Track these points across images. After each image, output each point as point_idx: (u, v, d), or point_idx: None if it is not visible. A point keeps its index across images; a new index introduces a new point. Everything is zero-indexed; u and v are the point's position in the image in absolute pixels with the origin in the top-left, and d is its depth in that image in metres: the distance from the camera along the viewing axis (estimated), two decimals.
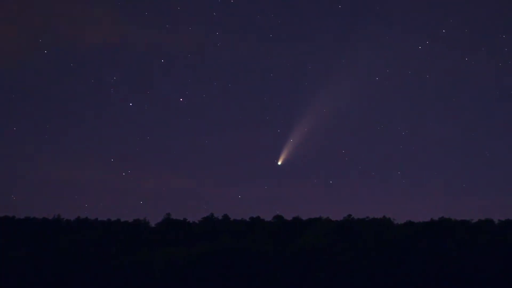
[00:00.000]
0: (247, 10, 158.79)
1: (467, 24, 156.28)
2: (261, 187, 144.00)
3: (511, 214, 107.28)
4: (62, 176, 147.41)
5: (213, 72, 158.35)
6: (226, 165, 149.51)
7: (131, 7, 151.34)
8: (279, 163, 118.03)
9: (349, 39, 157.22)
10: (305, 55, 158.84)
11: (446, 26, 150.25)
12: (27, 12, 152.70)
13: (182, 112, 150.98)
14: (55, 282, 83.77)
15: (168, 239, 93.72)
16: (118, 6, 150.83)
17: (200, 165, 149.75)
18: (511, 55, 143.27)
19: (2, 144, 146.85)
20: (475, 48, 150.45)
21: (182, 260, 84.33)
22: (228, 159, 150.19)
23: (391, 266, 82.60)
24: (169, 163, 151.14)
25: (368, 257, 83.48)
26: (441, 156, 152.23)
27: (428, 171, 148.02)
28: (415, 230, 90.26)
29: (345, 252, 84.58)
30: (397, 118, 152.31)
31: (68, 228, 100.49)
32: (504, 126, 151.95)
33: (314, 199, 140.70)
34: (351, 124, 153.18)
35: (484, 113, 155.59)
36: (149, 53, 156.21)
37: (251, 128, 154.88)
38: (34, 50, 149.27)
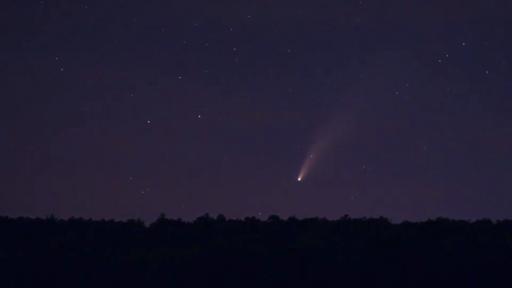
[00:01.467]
0: (263, 30, 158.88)
1: (486, 38, 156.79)
2: (282, 204, 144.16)
3: (509, 214, 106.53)
4: (55, 176, 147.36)
5: (232, 87, 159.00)
6: (245, 179, 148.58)
7: None
8: (299, 179, 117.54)
9: (368, 54, 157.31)
10: (324, 71, 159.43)
11: (466, 40, 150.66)
12: None
13: (201, 128, 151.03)
14: (48, 282, 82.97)
15: (162, 239, 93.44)
16: None
17: (219, 180, 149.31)
18: None
19: None
20: (495, 62, 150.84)
21: (177, 261, 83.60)
22: (248, 174, 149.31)
23: (388, 267, 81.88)
24: (186, 175, 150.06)
25: (365, 258, 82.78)
26: (439, 156, 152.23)
27: (426, 171, 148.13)
28: (412, 230, 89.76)
29: (342, 253, 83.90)
30: (415, 133, 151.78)
31: (61, 228, 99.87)
32: (504, 126, 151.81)
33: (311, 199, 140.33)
34: (371, 138, 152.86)
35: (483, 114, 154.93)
36: None
37: (271, 144, 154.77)
38: None
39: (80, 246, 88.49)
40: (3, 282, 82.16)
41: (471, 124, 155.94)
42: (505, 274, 79.54)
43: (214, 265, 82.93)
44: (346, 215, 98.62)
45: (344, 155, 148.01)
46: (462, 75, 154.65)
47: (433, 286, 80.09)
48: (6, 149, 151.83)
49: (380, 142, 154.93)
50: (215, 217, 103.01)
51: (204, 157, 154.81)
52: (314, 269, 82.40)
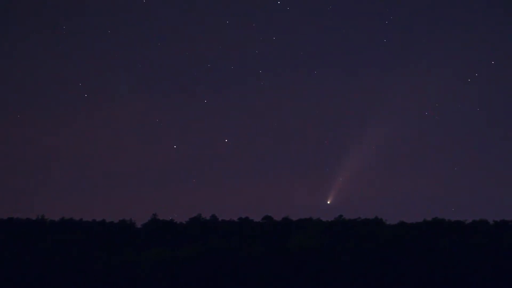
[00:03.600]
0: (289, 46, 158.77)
1: None
2: None
3: (506, 215, 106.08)
4: (46, 176, 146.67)
5: (258, 110, 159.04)
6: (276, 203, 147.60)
7: None
8: (328, 202, 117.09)
9: (397, 73, 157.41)
10: (353, 91, 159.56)
11: (495, 58, 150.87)
12: None
13: (228, 154, 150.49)
14: (38, 283, 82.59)
15: (154, 240, 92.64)
16: None
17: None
18: None
19: None
20: None
21: (169, 262, 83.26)
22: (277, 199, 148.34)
23: (383, 268, 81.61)
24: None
25: (360, 259, 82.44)
26: (437, 156, 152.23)
27: (422, 171, 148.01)
28: (408, 230, 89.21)
29: (336, 253, 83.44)
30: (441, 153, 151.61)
31: (52, 228, 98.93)
32: (503, 126, 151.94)
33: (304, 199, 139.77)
34: (400, 161, 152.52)
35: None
36: None
37: (300, 167, 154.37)
38: None
39: (71, 247, 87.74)
40: None
41: (470, 124, 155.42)
42: (502, 275, 79.41)
43: (207, 266, 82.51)
44: (341, 215, 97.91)
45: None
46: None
47: (429, 287, 79.82)
48: None
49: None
50: (208, 218, 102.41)
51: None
52: (308, 270, 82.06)
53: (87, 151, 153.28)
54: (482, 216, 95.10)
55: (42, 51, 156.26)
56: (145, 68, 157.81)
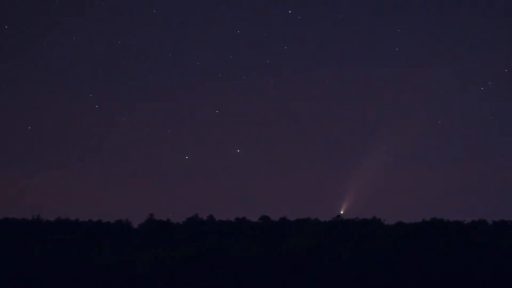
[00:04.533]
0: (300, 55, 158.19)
1: None
2: None
3: (505, 215, 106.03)
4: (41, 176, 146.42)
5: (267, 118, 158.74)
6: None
7: None
8: (342, 212, 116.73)
9: (408, 82, 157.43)
10: (365, 101, 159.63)
11: (508, 66, 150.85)
12: None
13: (237, 164, 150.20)
14: (35, 284, 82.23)
15: (151, 240, 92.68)
16: None
17: None
18: None
19: None
20: None
21: (166, 262, 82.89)
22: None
23: (382, 268, 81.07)
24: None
25: (358, 259, 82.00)
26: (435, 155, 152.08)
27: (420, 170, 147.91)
28: (406, 231, 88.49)
29: (334, 254, 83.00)
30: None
31: (48, 229, 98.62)
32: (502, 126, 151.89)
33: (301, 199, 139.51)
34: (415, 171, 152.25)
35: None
36: None
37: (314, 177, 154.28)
38: None
39: (67, 247, 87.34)
40: None
41: (467, 124, 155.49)
42: (501, 275, 79.02)
43: (204, 267, 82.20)
44: (339, 216, 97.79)
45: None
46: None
47: (428, 287, 79.46)
48: None
49: None
50: (204, 218, 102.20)
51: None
52: (306, 270, 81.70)
53: (83, 151, 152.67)
54: (481, 216, 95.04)
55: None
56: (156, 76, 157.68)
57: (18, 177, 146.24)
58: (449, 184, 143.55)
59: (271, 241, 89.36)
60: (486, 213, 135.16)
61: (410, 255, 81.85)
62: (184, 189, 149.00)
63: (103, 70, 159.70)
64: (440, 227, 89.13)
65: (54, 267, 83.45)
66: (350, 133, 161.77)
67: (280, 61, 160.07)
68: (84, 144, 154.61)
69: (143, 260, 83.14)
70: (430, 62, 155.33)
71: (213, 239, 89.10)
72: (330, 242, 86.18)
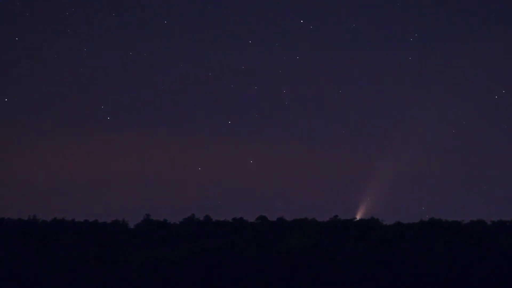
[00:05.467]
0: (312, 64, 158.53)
1: None
2: None
3: (503, 215, 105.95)
4: (37, 176, 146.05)
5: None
6: None
7: None
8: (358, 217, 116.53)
9: (422, 91, 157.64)
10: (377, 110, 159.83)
11: None
12: None
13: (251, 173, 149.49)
14: (31, 284, 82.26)
15: (147, 240, 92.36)
16: None
17: None
18: None
19: None
20: None
21: (163, 262, 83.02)
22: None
23: (379, 268, 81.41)
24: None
25: (356, 260, 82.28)
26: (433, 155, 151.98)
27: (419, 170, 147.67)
28: (404, 231, 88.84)
29: (332, 254, 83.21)
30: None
31: (44, 229, 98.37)
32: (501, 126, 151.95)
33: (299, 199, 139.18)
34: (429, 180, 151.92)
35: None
36: None
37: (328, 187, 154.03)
38: None
39: (63, 248, 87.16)
40: None
41: (466, 124, 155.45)
42: (500, 275, 79.48)
43: (201, 267, 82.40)
44: (336, 216, 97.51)
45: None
46: None
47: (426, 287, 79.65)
48: None
49: None
50: (201, 218, 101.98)
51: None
52: (303, 270, 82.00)
53: (79, 151, 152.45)
54: (479, 217, 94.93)
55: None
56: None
57: (15, 177, 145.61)
58: (449, 183, 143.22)
59: (268, 241, 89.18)
60: (484, 213, 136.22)
61: (408, 256, 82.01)
62: (181, 189, 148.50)
63: (104, 72, 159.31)
64: (438, 227, 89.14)
65: (51, 268, 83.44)
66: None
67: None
68: (81, 144, 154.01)
69: (140, 261, 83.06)
70: (442, 74, 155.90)
71: (210, 240, 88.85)
72: (327, 242, 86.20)
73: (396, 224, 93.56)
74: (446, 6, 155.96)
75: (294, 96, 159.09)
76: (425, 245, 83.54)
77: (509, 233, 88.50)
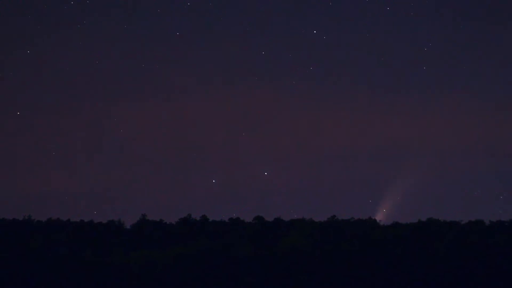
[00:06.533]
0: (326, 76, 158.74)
1: None
2: None
3: (502, 215, 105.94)
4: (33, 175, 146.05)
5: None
6: None
7: None
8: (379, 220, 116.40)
9: (435, 101, 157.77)
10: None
11: None
12: None
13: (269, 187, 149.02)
14: (26, 284, 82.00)
15: (143, 240, 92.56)
16: None
17: None
18: None
19: None
20: None
21: (158, 262, 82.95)
22: None
23: (377, 269, 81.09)
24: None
25: (354, 260, 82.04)
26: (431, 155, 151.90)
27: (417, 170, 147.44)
28: (402, 231, 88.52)
29: (329, 255, 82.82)
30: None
31: (39, 229, 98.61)
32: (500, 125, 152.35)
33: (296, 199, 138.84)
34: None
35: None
36: None
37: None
38: None
39: (59, 248, 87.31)
40: None
41: (465, 124, 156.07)
42: (498, 276, 79.18)
43: (197, 267, 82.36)
44: (334, 216, 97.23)
45: None
46: None
47: None
48: None
49: None
50: (198, 218, 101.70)
51: None
52: (300, 271, 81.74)
53: (74, 151, 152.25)
54: (477, 217, 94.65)
55: None
56: None
57: (10, 177, 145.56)
58: (448, 184, 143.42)
59: (265, 241, 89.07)
60: (483, 213, 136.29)
61: (405, 256, 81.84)
62: (177, 189, 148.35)
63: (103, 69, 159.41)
64: (436, 227, 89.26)
65: (46, 267, 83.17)
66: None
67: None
68: (78, 145, 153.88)
69: (136, 261, 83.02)
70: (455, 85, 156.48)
71: (206, 240, 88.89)
72: (324, 242, 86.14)
73: (394, 224, 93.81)
74: None
75: None
76: (423, 245, 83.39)
77: (507, 233, 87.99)
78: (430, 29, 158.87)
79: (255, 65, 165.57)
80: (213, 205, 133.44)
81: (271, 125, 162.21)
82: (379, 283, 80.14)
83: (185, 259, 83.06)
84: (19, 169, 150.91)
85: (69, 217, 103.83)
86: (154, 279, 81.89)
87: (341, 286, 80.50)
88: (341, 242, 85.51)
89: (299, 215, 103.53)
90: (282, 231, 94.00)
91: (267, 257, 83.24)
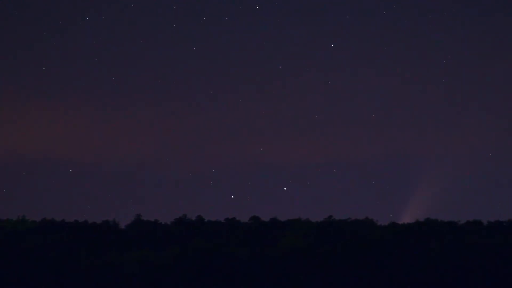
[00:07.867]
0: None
1: None
2: None
3: (500, 216, 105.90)
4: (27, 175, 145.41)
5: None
6: None
7: None
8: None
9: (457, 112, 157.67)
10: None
11: None
12: None
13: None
14: (21, 285, 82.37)
15: (138, 241, 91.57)
16: None
17: None
18: None
19: None
20: None
21: (153, 263, 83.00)
22: None
23: (374, 269, 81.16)
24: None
25: (351, 260, 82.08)
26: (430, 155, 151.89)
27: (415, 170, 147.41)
28: (399, 231, 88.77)
29: (326, 255, 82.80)
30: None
31: (33, 229, 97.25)
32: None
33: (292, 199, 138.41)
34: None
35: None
36: None
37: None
38: None
39: (53, 248, 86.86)
40: None
41: (464, 124, 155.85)
42: (496, 276, 79.48)
43: (192, 268, 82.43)
44: (331, 216, 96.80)
45: None
46: None
47: None
48: None
49: None
50: (193, 218, 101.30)
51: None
52: (297, 271, 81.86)
53: (68, 151, 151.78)
54: (476, 217, 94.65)
55: None
56: None
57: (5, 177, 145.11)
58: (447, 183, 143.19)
59: (261, 241, 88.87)
60: (481, 213, 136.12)
61: (403, 257, 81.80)
62: (172, 189, 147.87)
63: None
64: (434, 228, 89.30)
65: (40, 269, 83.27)
66: None
67: None
68: (74, 143, 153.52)
69: (130, 261, 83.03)
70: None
71: (201, 240, 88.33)
72: (321, 243, 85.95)
73: (391, 224, 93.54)
74: None
75: None
76: (420, 246, 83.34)
77: (505, 233, 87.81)
78: (447, 42, 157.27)
79: None
80: (209, 205, 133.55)
81: (270, 125, 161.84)
82: (377, 283, 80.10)
83: (180, 259, 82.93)
84: (11, 168, 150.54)
85: (64, 217, 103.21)
86: (150, 279, 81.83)
87: (338, 287, 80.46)
88: (338, 242, 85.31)
89: (295, 215, 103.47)
90: (279, 231, 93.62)
91: (264, 258, 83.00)
